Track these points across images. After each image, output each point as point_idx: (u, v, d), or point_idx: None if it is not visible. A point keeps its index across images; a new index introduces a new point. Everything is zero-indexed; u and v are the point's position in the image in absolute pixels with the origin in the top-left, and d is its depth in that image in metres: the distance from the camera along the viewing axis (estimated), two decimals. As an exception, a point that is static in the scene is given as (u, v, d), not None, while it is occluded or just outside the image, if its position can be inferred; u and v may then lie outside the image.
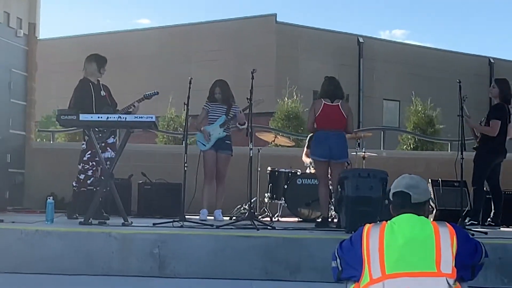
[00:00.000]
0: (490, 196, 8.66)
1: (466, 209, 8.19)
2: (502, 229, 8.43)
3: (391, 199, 3.76)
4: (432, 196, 9.18)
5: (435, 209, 9.19)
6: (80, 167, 8.06)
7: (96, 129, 7.80)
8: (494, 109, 8.54)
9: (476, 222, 8.21)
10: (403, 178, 3.79)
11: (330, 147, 7.95)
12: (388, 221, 3.62)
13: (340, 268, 3.66)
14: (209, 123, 8.73)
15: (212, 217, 8.53)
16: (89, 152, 7.94)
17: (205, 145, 8.65)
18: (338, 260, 3.67)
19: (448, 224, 3.59)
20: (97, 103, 8.05)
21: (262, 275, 6.08)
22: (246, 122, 8.15)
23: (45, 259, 6.16)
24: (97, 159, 7.74)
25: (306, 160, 9.59)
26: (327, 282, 5.45)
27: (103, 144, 7.98)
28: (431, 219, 3.76)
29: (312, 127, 8.15)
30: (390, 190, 3.80)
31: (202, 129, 8.67)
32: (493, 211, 8.58)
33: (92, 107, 7.99)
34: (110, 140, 8.10)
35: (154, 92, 8.26)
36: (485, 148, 8.45)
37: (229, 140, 8.74)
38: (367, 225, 3.63)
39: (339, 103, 8.11)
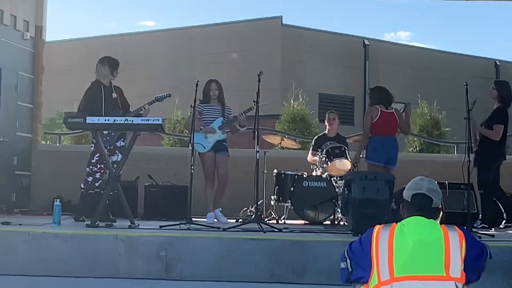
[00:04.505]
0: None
1: (473, 212, 8.17)
2: (509, 231, 8.41)
3: (409, 200, 3.73)
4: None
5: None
6: (88, 169, 8.05)
7: (105, 132, 7.81)
8: (497, 114, 8.50)
9: (487, 226, 8.19)
10: (422, 180, 3.77)
11: (388, 153, 8.35)
12: (398, 223, 3.61)
13: (350, 269, 3.65)
14: (205, 125, 8.71)
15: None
16: (98, 154, 7.92)
17: (204, 148, 8.65)
18: (348, 261, 3.67)
19: (457, 228, 3.59)
20: (107, 105, 8.04)
21: (269, 278, 6.06)
22: (247, 125, 8.17)
23: (52, 262, 6.15)
24: (105, 161, 7.74)
25: (314, 159, 9.53)
26: (334, 284, 5.45)
27: (112, 147, 7.98)
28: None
29: (368, 133, 8.48)
30: (405, 189, 3.79)
31: (202, 127, 8.64)
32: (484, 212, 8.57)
33: (102, 110, 7.98)
34: (119, 143, 8.07)
35: (166, 94, 8.25)
36: (486, 151, 8.42)
37: (225, 141, 8.79)
38: (377, 227, 3.62)
39: (393, 110, 8.54)
